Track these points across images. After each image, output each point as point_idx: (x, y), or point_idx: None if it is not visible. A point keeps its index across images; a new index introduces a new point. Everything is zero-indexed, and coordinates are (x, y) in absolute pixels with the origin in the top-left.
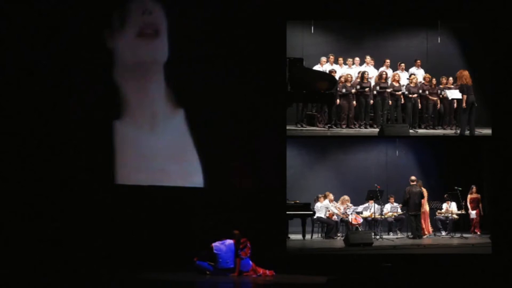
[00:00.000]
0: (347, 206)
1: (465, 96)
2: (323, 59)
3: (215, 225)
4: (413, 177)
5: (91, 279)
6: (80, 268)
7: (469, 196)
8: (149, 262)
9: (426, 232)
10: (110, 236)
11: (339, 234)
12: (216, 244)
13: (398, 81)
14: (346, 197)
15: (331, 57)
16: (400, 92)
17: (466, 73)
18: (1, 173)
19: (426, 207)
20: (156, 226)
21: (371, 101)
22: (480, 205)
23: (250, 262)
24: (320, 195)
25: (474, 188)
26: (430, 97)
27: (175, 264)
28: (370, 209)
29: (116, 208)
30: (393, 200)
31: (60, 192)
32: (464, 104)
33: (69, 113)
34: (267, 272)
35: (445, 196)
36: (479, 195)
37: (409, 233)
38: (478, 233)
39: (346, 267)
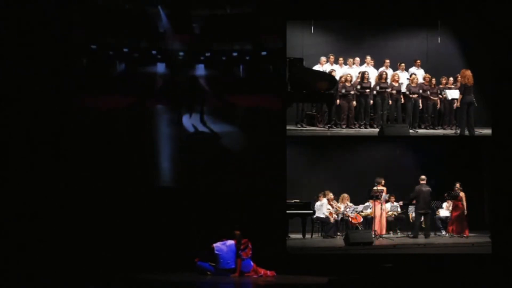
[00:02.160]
0: (347, 205)
1: (461, 96)
2: (323, 59)
3: (215, 225)
4: (423, 176)
5: (91, 279)
6: (80, 268)
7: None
8: (150, 263)
9: (377, 233)
10: (110, 237)
11: (339, 234)
12: (217, 245)
13: (397, 81)
14: (346, 195)
15: (331, 57)
16: (399, 91)
17: (468, 73)
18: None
19: (384, 207)
20: (157, 227)
21: (371, 101)
22: (465, 203)
23: (251, 263)
24: (320, 194)
25: (457, 185)
26: (430, 97)
27: (176, 264)
28: (370, 208)
29: (116, 208)
30: (393, 200)
31: (60, 192)
32: (458, 104)
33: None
34: (268, 272)
35: (445, 195)
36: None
37: (409, 232)
38: (455, 234)
39: (347, 267)
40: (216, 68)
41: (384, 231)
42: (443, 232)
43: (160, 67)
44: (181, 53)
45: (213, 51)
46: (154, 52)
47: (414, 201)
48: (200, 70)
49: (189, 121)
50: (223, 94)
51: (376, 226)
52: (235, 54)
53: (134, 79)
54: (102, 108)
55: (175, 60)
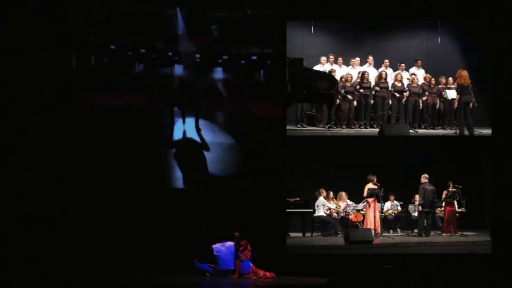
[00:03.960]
0: (347, 203)
1: (458, 96)
2: (323, 59)
3: (215, 226)
4: (426, 175)
5: (91, 280)
6: (80, 269)
7: (444, 192)
8: (149, 264)
9: (378, 232)
10: (110, 237)
11: (339, 232)
12: (216, 246)
13: (400, 81)
14: (344, 193)
15: (331, 57)
16: (402, 91)
17: (464, 73)
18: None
19: (377, 205)
20: (156, 228)
21: (371, 101)
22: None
23: (251, 264)
24: (316, 193)
25: (451, 184)
26: (430, 97)
27: (176, 265)
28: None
29: (116, 209)
30: (393, 198)
31: (60, 193)
32: (456, 104)
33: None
34: (268, 274)
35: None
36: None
37: (410, 231)
38: (455, 233)
39: (347, 266)
40: (215, 68)
41: (379, 229)
42: None
43: (177, 69)
44: (197, 55)
45: (211, 50)
46: (170, 53)
47: (416, 200)
48: (218, 73)
49: (190, 122)
50: (222, 93)
51: (374, 225)
52: (234, 53)
53: (149, 79)
54: (110, 107)
55: (191, 62)
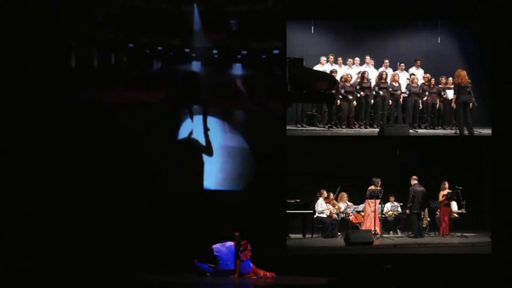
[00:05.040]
0: (348, 204)
1: (455, 96)
2: (323, 59)
3: (215, 226)
4: (415, 176)
5: (91, 280)
6: (80, 269)
7: (441, 193)
8: (149, 264)
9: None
10: (110, 237)
11: (339, 233)
12: (216, 246)
13: (397, 81)
14: (344, 194)
15: (331, 57)
16: (399, 91)
17: (463, 73)
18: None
19: (377, 206)
20: (156, 228)
21: (371, 101)
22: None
23: (251, 264)
24: (317, 194)
25: (446, 184)
26: (430, 97)
27: (176, 265)
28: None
29: (116, 209)
30: (393, 199)
31: (59, 192)
32: (453, 104)
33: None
34: (268, 274)
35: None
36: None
37: (410, 232)
38: (447, 234)
39: (347, 267)
40: (215, 68)
41: (379, 231)
42: None
43: (195, 66)
44: (215, 51)
45: (211, 50)
46: (187, 50)
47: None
48: (236, 69)
49: (198, 121)
50: (222, 94)
51: (373, 225)
52: (234, 53)
53: (165, 77)
54: (116, 105)
55: (208, 58)
